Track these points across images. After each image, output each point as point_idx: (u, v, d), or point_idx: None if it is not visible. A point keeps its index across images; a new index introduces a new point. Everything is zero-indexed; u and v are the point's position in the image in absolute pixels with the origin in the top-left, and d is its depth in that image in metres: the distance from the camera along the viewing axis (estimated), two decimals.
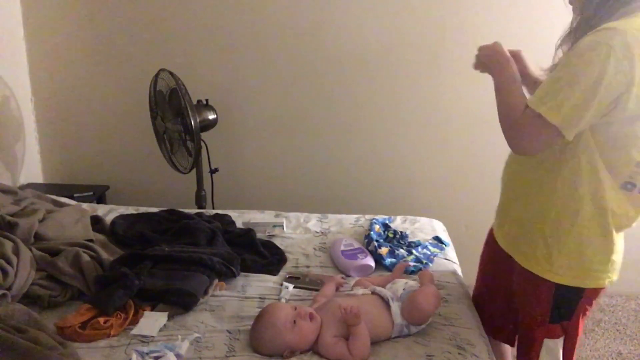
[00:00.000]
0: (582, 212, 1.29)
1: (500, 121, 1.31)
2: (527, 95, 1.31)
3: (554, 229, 1.34)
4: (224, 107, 2.60)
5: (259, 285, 1.69)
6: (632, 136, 1.22)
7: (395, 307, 1.43)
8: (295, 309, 1.41)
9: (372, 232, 1.94)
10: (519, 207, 1.42)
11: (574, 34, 1.26)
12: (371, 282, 1.61)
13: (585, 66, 1.14)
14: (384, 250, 1.84)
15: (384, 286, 1.55)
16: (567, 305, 1.41)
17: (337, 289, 1.64)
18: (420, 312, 1.43)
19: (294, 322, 1.36)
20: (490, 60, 1.37)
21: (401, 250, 1.86)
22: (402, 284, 1.51)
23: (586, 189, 1.27)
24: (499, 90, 1.33)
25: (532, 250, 1.38)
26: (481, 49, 1.40)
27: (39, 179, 2.83)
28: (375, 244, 1.86)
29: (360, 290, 1.52)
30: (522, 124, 1.24)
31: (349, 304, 1.40)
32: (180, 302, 1.53)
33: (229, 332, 1.45)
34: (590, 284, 1.39)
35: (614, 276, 1.42)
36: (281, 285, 1.69)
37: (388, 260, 1.80)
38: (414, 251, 1.86)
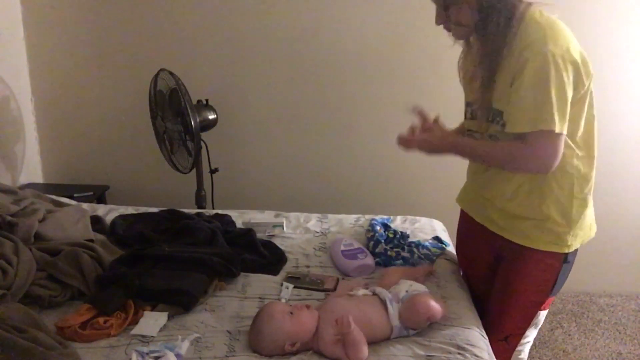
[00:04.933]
0: (575, 182, 1.45)
1: (515, 168, 1.45)
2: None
3: (565, 208, 1.46)
4: (224, 107, 2.60)
5: (259, 285, 1.69)
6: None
7: (392, 309, 1.43)
8: (291, 305, 1.44)
9: (377, 234, 1.93)
10: (522, 203, 1.48)
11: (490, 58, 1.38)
12: (404, 271, 1.63)
13: (547, 74, 1.29)
14: (392, 252, 1.84)
15: (402, 278, 1.56)
16: (566, 272, 1.53)
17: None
18: (415, 315, 1.42)
19: (291, 313, 1.38)
20: (434, 150, 1.49)
21: (403, 252, 1.85)
22: (407, 286, 1.51)
23: (573, 162, 1.44)
24: (478, 159, 1.53)
25: (551, 236, 1.48)
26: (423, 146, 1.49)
27: (39, 179, 2.83)
28: (385, 246, 1.86)
29: (361, 291, 1.53)
30: (537, 148, 1.35)
31: (344, 307, 1.42)
32: (180, 302, 1.53)
33: (229, 332, 1.45)
34: (582, 239, 1.53)
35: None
36: (281, 285, 1.69)
37: (397, 262, 1.80)
38: (415, 251, 1.86)
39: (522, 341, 1.61)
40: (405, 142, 1.50)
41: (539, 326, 1.63)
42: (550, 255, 1.49)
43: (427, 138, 1.49)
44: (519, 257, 1.52)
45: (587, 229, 1.53)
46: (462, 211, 1.77)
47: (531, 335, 1.63)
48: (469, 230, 1.72)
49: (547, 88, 1.30)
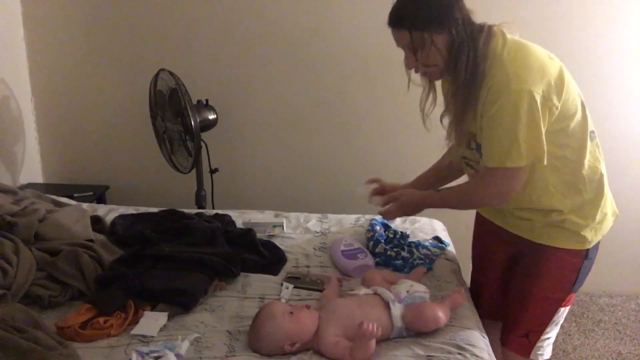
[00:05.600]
0: (581, 187, 1.46)
1: (486, 203, 1.57)
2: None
3: (579, 210, 1.47)
4: (224, 107, 2.60)
5: (259, 285, 1.69)
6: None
7: (395, 309, 1.43)
8: (291, 305, 1.44)
9: (377, 234, 1.93)
10: (538, 212, 1.50)
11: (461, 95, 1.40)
12: (382, 275, 1.62)
13: (513, 114, 1.31)
14: (392, 252, 1.84)
15: (391, 284, 1.55)
16: (587, 269, 1.54)
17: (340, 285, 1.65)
18: (422, 326, 1.43)
19: (291, 313, 1.38)
20: (413, 211, 1.65)
21: (403, 252, 1.85)
22: (407, 286, 1.51)
23: (571, 170, 1.46)
24: (455, 206, 1.63)
25: (570, 234, 1.49)
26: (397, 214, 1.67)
27: (39, 179, 2.83)
28: (385, 246, 1.86)
29: (362, 290, 1.53)
30: (497, 183, 1.42)
31: (345, 307, 1.43)
32: (180, 302, 1.53)
33: (229, 332, 1.45)
34: (603, 232, 1.55)
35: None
36: (281, 285, 1.68)
37: (397, 262, 1.80)
38: (414, 251, 1.86)
39: (543, 337, 1.60)
40: (386, 216, 1.68)
41: (560, 323, 1.62)
42: (570, 252, 1.51)
43: (399, 209, 1.63)
44: (539, 255, 1.54)
45: (606, 220, 1.54)
46: (477, 213, 1.78)
47: (552, 332, 1.62)
48: (485, 231, 1.73)
49: (514, 128, 1.32)
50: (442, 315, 1.44)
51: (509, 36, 1.39)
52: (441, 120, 1.52)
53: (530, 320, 1.59)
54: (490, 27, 1.39)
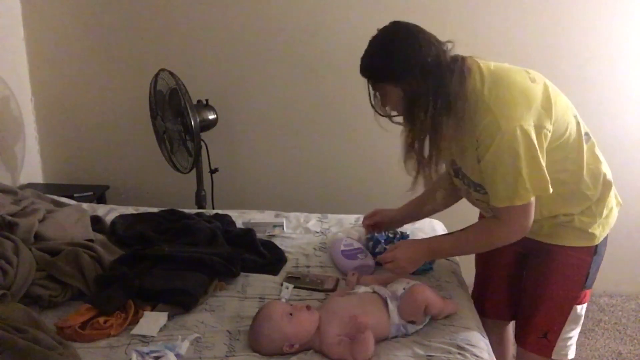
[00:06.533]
0: (585, 191, 1.46)
1: (503, 243, 1.49)
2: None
3: (586, 210, 1.48)
4: (224, 107, 2.60)
5: (259, 285, 1.69)
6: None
7: (392, 306, 1.43)
8: (291, 305, 1.43)
9: (377, 234, 1.93)
10: (545, 217, 1.49)
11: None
12: (376, 279, 1.61)
13: (510, 153, 1.32)
14: None
15: (385, 285, 1.55)
16: (597, 264, 1.54)
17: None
18: (414, 307, 1.42)
19: (291, 314, 1.38)
20: (415, 265, 1.58)
21: None
22: (404, 284, 1.51)
23: (574, 180, 1.46)
24: (468, 251, 1.64)
25: (578, 232, 1.49)
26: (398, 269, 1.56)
27: (39, 179, 2.83)
28: (385, 246, 1.86)
29: (361, 289, 1.53)
30: (512, 222, 1.41)
31: (345, 306, 1.42)
32: (180, 302, 1.53)
33: (229, 332, 1.45)
34: (610, 225, 1.56)
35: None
36: (281, 285, 1.69)
37: None
38: None
39: (564, 337, 1.59)
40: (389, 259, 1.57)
41: (581, 322, 1.60)
42: (579, 250, 1.51)
43: (404, 264, 1.55)
44: (548, 255, 1.54)
45: (612, 214, 1.54)
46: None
47: (574, 332, 1.60)
48: None
49: (516, 166, 1.32)
50: (431, 294, 1.44)
51: (483, 65, 1.39)
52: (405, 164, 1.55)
53: (545, 320, 1.58)
54: (463, 62, 1.37)
